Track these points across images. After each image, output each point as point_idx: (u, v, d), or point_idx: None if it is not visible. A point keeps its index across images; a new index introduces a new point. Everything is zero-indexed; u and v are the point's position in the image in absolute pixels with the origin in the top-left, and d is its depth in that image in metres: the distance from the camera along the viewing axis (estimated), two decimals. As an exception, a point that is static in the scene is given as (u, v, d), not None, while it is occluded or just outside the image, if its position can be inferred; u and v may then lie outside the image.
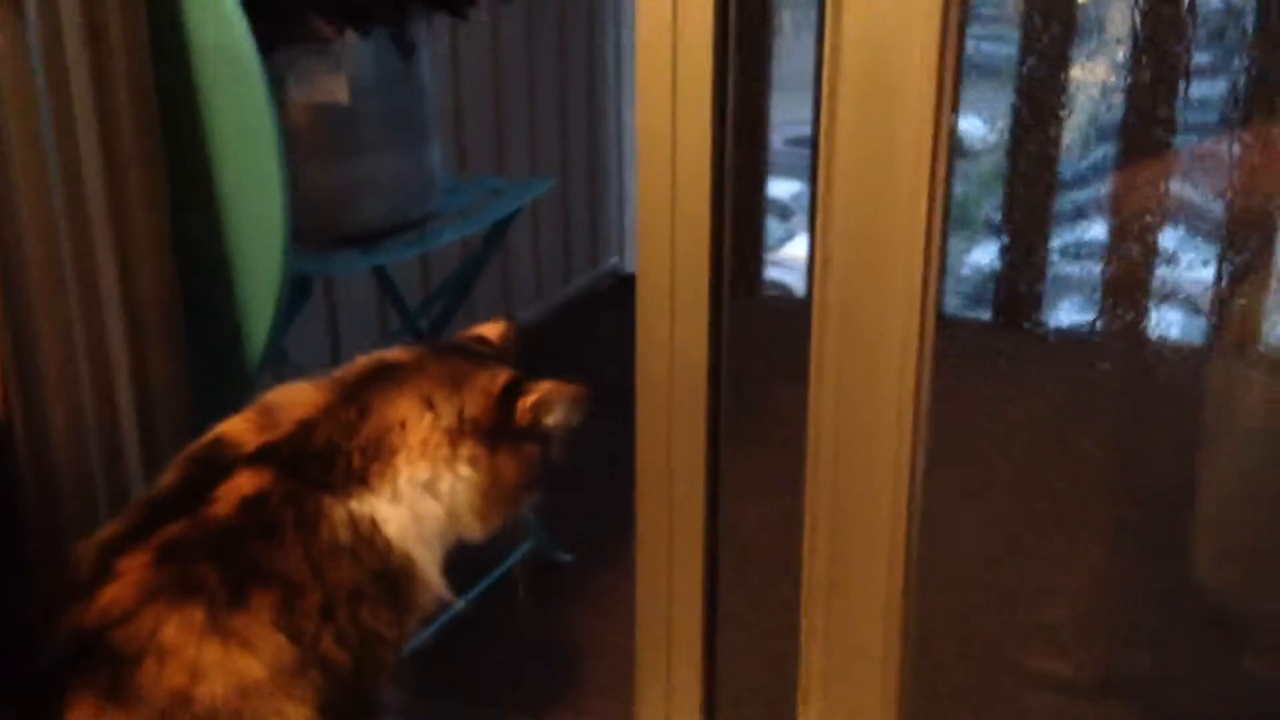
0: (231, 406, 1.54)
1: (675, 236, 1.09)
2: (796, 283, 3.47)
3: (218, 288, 1.49)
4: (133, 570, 0.99)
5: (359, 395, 1.09)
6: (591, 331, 3.02)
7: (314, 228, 1.75)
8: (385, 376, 1.11)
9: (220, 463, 1.05)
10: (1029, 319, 2.80)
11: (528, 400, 1.09)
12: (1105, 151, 2.75)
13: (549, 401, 1.10)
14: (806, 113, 3.47)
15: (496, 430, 1.09)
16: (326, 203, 1.81)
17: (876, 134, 0.92)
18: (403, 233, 1.91)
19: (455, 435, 1.08)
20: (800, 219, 3.93)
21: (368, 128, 1.86)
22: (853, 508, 1.05)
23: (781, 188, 3.87)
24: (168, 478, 1.07)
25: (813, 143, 0.95)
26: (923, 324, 0.96)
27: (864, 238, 0.96)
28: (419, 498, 1.07)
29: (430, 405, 1.09)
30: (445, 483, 1.08)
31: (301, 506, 1.03)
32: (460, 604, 1.79)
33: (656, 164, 1.09)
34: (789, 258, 3.63)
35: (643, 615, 1.24)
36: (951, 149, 0.91)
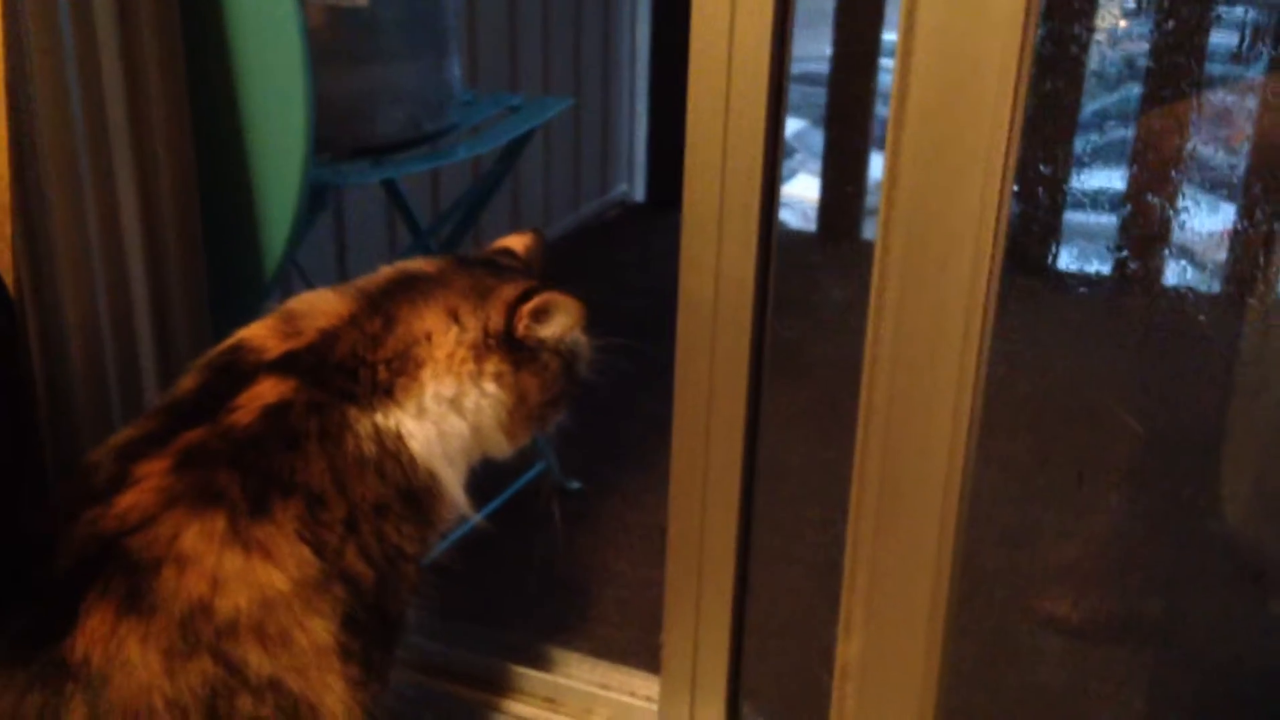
0: (247, 316, 1.51)
1: (728, 151, 1.05)
2: (796, 221, 3.44)
3: (237, 196, 1.45)
4: (152, 476, 0.96)
5: (384, 306, 1.06)
6: (602, 259, 2.99)
7: (328, 137, 1.70)
8: (411, 287, 1.08)
9: (242, 369, 1.02)
10: (1048, 261, 2.77)
11: (524, 307, 1.06)
12: (1127, 95, 2.71)
13: (545, 309, 1.07)
14: (808, 49, 3.42)
15: (519, 343, 1.07)
16: (341, 111, 1.75)
17: (961, 44, 0.88)
18: (417, 146, 1.86)
19: (480, 350, 1.05)
20: (801, 157, 3.89)
21: (385, 34, 1.80)
22: (907, 439, 1.02)
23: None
24: (187, 383, 1.04)
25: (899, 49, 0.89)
26: (993, 256, 0.92)
27: (937, 159, 0.92)
28: (445, 414, 1.05)
29: (456, 318, 1.06)
30: (471, 399, 1.06)
31: (325, 417, 1.00)
32: (472, 523, 1.78)
33: (710, 71, 1.04)
34: (790, 195, 3.61)
35: (675, 544, 1.22)
36: (1032, 66, 0.87)
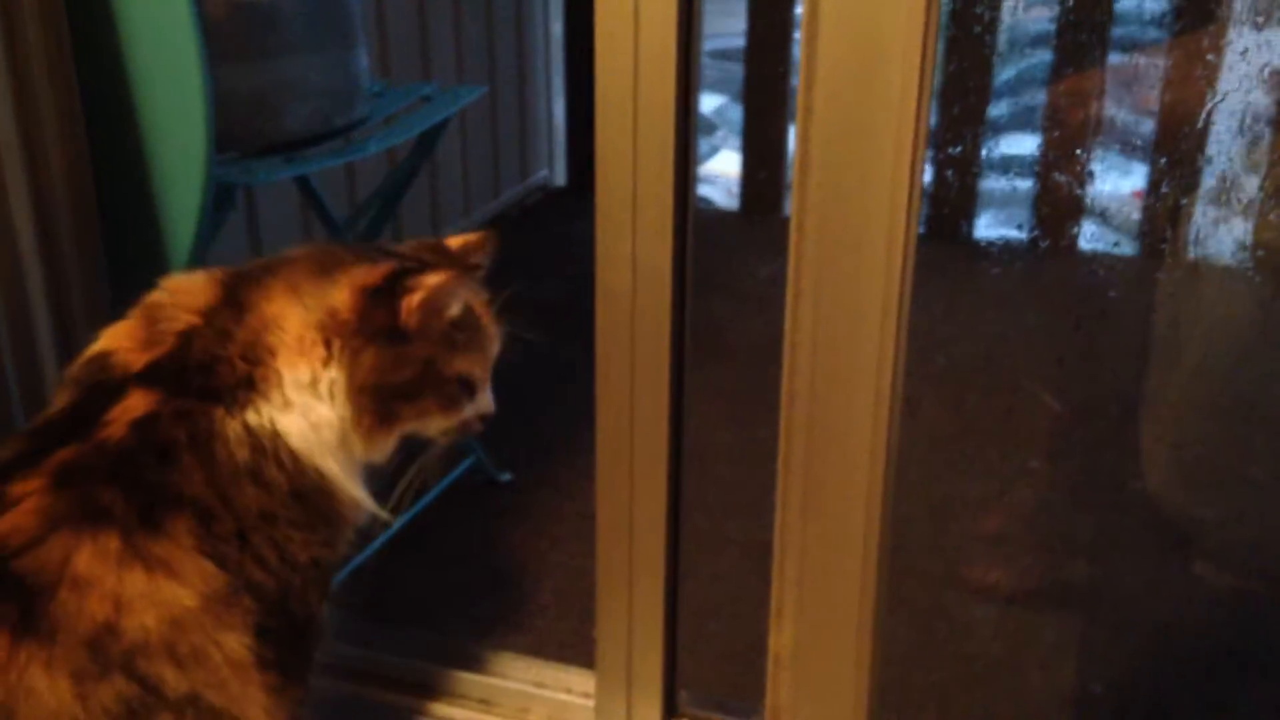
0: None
1: (638, 139, 1.04)
2: (720, 197, 3.44)
3: (139, 197, 1.40)
4: (29, 496, 0.91)
5: (237, 294, 1.00)
6: (523, 246, 2.96)
7: (234, 134, 1.66)
8: (268, 270, 1.02)
9: (110, 383, 0.97)
10: (963, 230, 2.80)
11: (414, 298, 0.98)
12: (1038, 61, 2.74)
13: (439, 298, 0.99)
14: (725, 25, 3.41)
15: (368, 328, 0.98)
16: (246, 107, 1.70)
17: (862, 22, 0.87)
18: (328, 140, 1.82)
19: (327, 330, 0.98)
20: (723, 133, 3.89)
21: (288, 27, 1.76)
22: (831, 420, 1.02)
23: (705, 102, 3.82)
24: (56, 403, 0.99)
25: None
26: (907, 225, 0.92)
27: (847, 137, 0.91)
28: (309, 402, 0.98)
29: (298, 297, 0.99)
30: (325, 384, 0.98)
31: (193, 424, 0.95)
32: (399, 523, 1.74)
33: (617, 61, 1.02)
34: (712, 172, 3.60)
35: (604, 536, 1.21)
36: (937, 38, 0.86)
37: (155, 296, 1.03)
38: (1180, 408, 1.57)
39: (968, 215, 2.86)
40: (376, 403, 1.00)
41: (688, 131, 1.05)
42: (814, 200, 0.95)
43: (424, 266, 1.03)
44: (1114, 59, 2.49)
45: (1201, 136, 1.76)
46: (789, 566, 1.08)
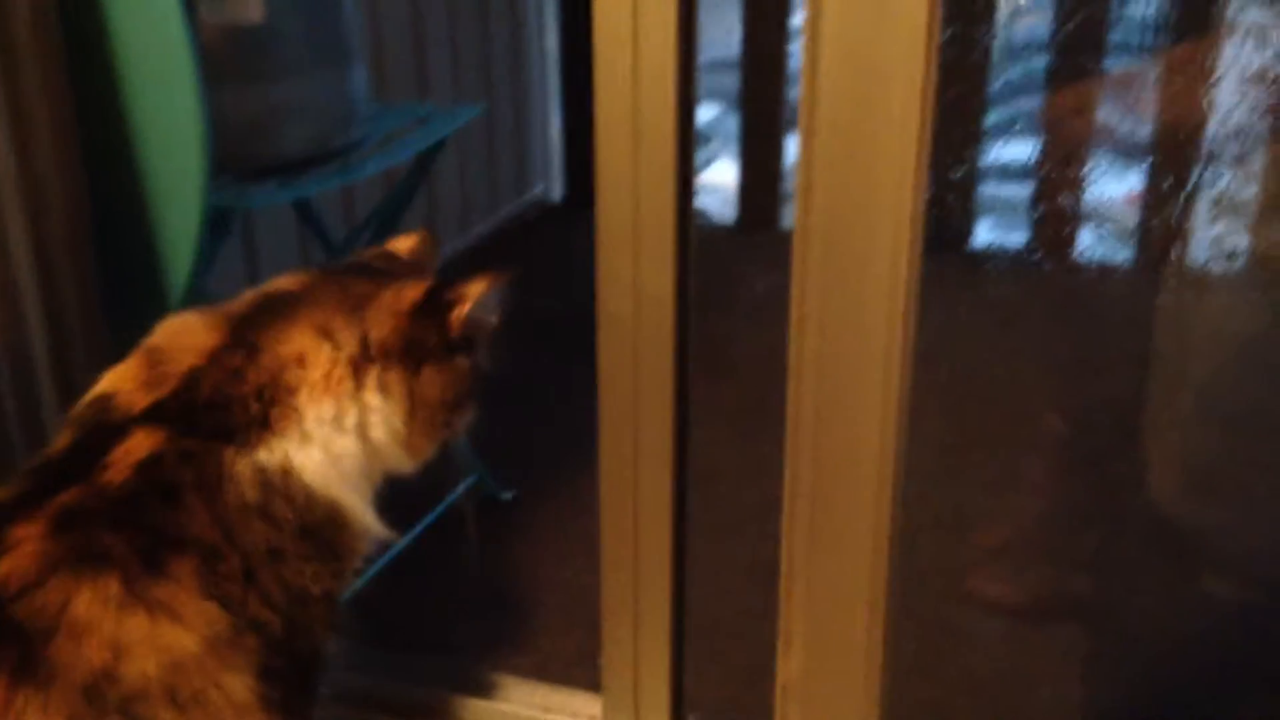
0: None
1: (639, 165, 1.03)
2: (718, 209, 3.43)
3: (134, 225, 1.39)
4: (28, 540, 0.90)
5: (246, 334, 1.00)
6: (521, 261, 2.95)
7: (231, 158, 1.66)
8: (274, 310, 1.02)
9: (111, 425, 0.97)
10: (960, 241, 2.80)
11: (462, 310, 1.01)
12: (1034, 68, 2.74)
13: (483, 304, 1.02)
14: (720, 35, 3.41)
15: (416, 349, 1.01)
16: (243, 131, 1.70)
17: (866, 43, 0.86)
18: (325, 163, 1.82)
19: (360, 363, 1.00)
20: (719, 143, 3.89)
21: (284, 50, 1.76)
22: (837, 442, 1.01)
23: (699, 113, 3.81)
24: (58, 443, 0.99)
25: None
26: (912, 247, 0.91)
27: (851, 156, 0.91)
28: (330, 436, 0.99)
29: (328, 335, 1.00)
30: (353, 416, 1.00)
31: (200, 465, 0.95)
32: (401, 544, 1.74)
33: (616, 81, 1.02)
34: (708, 183, 3.60)
35: (608, 557, 1.20)
36: (940, 59, 0.86)
37: (156, 338, 1.02)
38: (1185, 418, 1.57)
39: (965, 225, 2.86)
40: (434, 418, 1.03)
41: (688, 153, 1.05)
42: (817, 222, 0.95)
43: (449, 282, 1.04)
44: (1112, 65, 2.50)
45: (1198, 144, 1.76)
46: (796, 594, 1.07)
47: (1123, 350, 1.84)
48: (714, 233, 3.30)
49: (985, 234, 2.84)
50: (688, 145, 1.03)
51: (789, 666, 1.10)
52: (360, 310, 1.01)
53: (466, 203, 3.07)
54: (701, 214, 3.54)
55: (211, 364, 0.99)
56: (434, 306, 1.02)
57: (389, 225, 2.08)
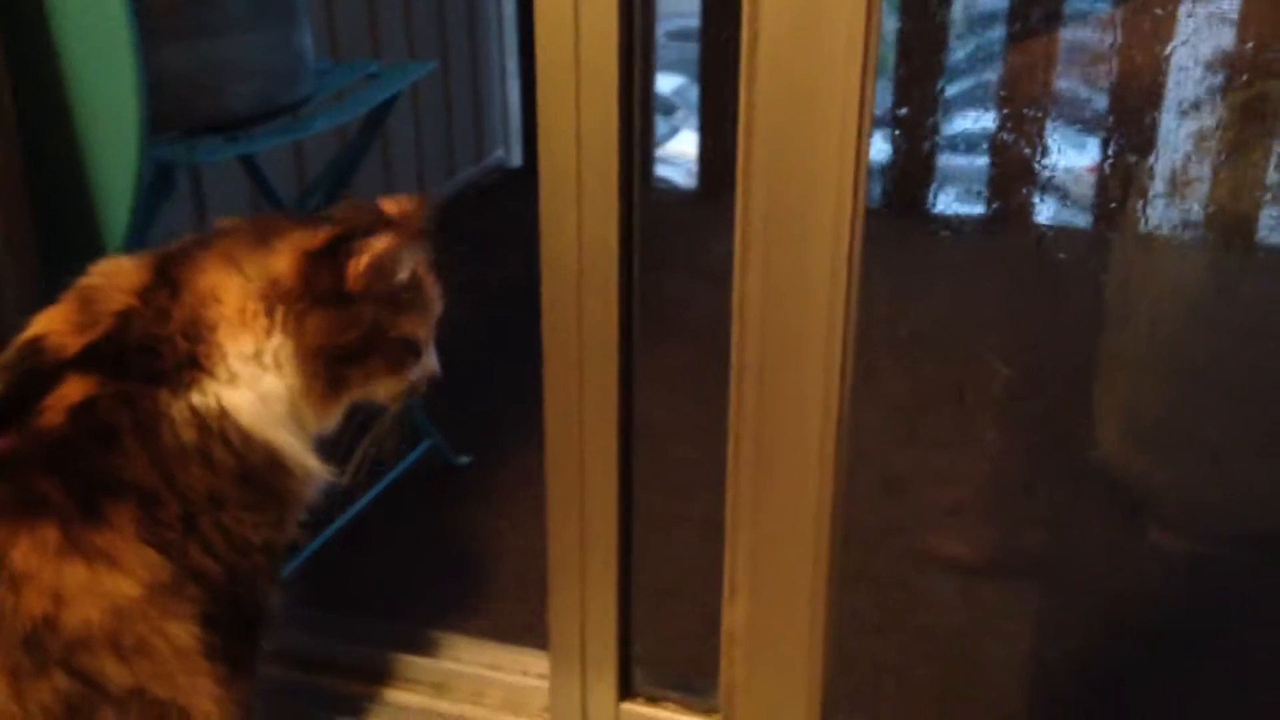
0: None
1: (580, 112, 1.01)
2: (681, 178, 3.41)
3: (70, 180, 1.36)
4: None
5: (171, 272, 0.97)
6: (479, 227, 2.92)
7: (174, 113, 1.62)
8: (198, 246, 1.00)
9: (44, 370, 0.94)
10: (918, 204, 2.79)
11: (360, 261, 0.97)
12: (993, 36, 2.74)
13: (386, 260, 0.98)
14: (687, 4, 3.38)
15: (310, 292, 0.97)
16: (187, 86, 1.67)
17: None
18: (272, 119, 1.78)
19: (270, 297, 0.96)
20: (683, 114, 3.86)
21: (227, 4, 1.72)
22: (782, 393, 1.01)
23: (664, 82, 3.79)
24: None
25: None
26: (855, 204, 0.90)
27: (791, 106, 0.90)
28: (256, 374, 0.96)
29: (236, 266, 0.97)
30: (270, 353, 0.96)
31: (137, 407, 0.93)
32: (354, 508, 1.71)
33: (556, 15, 1.00)
34: (672, 153, 3.57)
35: (554, 514, 1.19)
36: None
37: (87, 280, 1.00)
38: (1133, 374, 1.58)
39: (927, 189, 2.86)
40: (324, 368, 0.99)
41: (632, 100, 1.03)
42: (759, 168, 0.93)
43: (366, 230, 1.01)
44: (1068, 32, 2.49)
45: (1154, 106, 1.76)
46: (741, 542, 1.07)
47: (1077, 312, 1.85)
48: (674, 198, 3.28)
49: (947, 201, 2.84)
50: (630, 86, 1.01)
51: (734, 615, 1.09)
52: (267, 244, 0.98)
53: (423, 167, 3.03)
54: (665, 182, 3.53)
55: (141, 303, 0.96)
56: (334, 252, 0.98)
57: (340, 185, 2.04)
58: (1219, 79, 1.61)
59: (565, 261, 1.07)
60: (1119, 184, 2.00)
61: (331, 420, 1.03)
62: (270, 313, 0.97)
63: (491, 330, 2.17)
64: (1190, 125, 1.68)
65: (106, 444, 0.91)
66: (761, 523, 1.05)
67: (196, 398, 0.95)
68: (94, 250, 1.39)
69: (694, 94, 3.70)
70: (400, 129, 2.81)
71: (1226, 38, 1.60)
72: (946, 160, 2.83)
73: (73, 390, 0.92)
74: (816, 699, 1.10)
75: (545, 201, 1.07)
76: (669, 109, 3.86)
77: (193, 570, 0.93)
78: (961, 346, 2.02)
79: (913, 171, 2.80)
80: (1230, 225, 1.69)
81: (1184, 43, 1.60)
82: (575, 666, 1.26)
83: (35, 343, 0.96)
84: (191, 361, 0.95)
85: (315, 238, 0.98)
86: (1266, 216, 1.67)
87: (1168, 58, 1.65)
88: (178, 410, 0.94)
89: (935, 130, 2.75)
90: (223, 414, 0.95)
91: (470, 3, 3.17)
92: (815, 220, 0.93)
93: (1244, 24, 1.60)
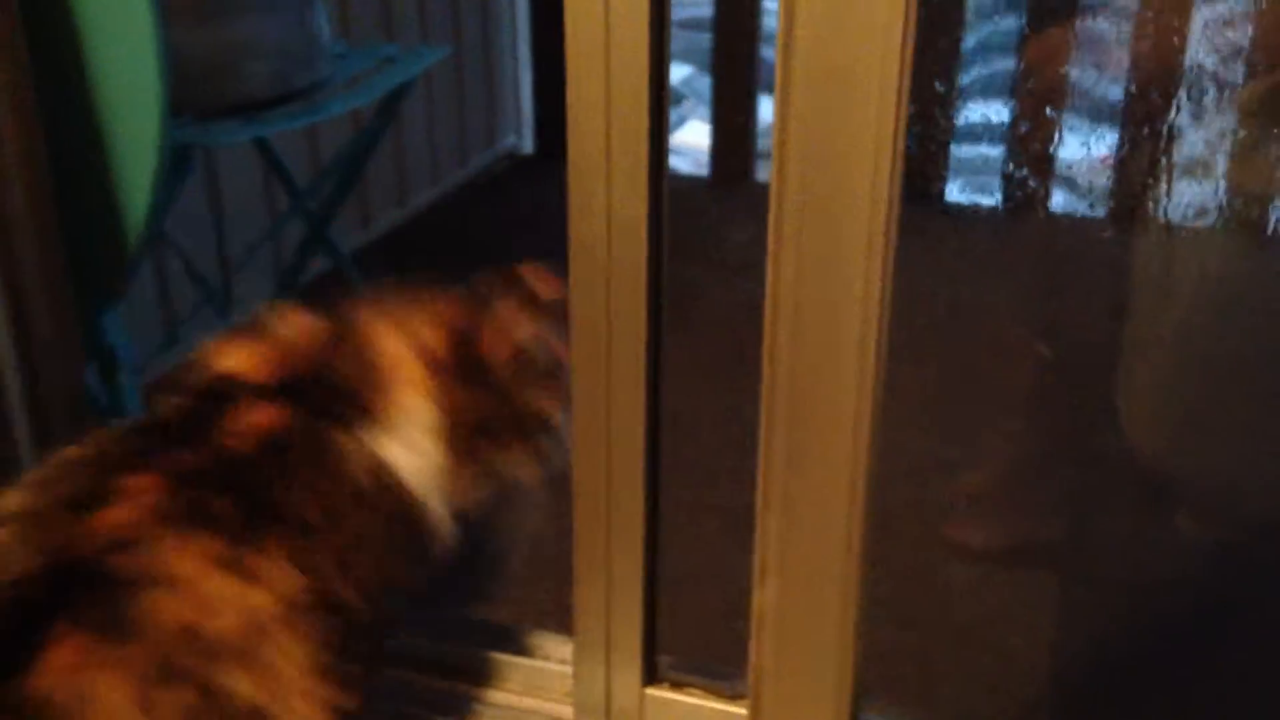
0: (110, 292, 1.42)
1: (611, 91, 1.00)
2: (689, 168, 3.41)
3: (92, 163, 1.36)
4: (141, 493, 0.90)
5: (349, 325, 1.03)
6: (493, 215, 2.91)
7: (191, 96, 1.62)
8: (365, 306, 1.06)
9: (228, 394, 0.98)
10: (938, 196, 2.78)
11: (501, 338, 1.03)
12: (1008, 27, 2.72)
13: (531, 343, 1.04)
14: (691, -7, 3.36)
15: (458, 368, 1.03)
16: (203, 68, 1.67)
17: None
18: (288, 102, 1.78)
19: (428, 367, 1.02)
20: (691, 104, 3.85)
21: (245, -14, 1.72)
22: (814, 383, 1.00)
23: (671, 72, 3.78)
24: (164, 407, 1.00)
25: None
26: (891, 182, 0.89)
27: (828, 95, 0.88)
28: (414, 437, 1.01)
29: (405, 333, 1.03)
30: (426, 419, 1.02)
31: (319, 444, 0.98)
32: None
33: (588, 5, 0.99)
34: (680, 143, 3.57)
35: (581, 500, 1.18)
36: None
37: (270, 323, 1.04)
38: (1157, 362, 1.57)
39: (944, 179, 2.84)
40: (464, 440, 1.03)
41: (663, 74, 1.02)
42: (794, 146, 0.92)
43: (512, 307, 1.06)
44: (1084, 21, 2.48)
45: (1172, 95, 1.75)
46: (773, 523, 1.06)
47: (1099, 299, 1.84)
48: (687, 185, 3.27)
49: (962, 191, 2.83)
50: (661, 59, 1.00)
51: (765, 596, 1.09)
52: (426, 314, 1.04)
53: (436, 154, 3.02)
54: (673, 172, 3.52)
55: (330, 350, 1.01)
56: (478, 331, 1.04)
57: (355, 170, 2.04)
58: (1238, 68, 1.60)
59: (593, 243, 1.06)
60: (1138, 167, 1.99)
61: (466, 494, 1.06)
62: (427, 380, 1.02)
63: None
64: (1208, 113, 1.67)
65: (285, 474, 0.95)
66: (792, 504, 1.04)
67: (371, 447, 0.99)
68: (116, 232, 1.38)
69: (701, 84, 3.68)
70: (412, 115, 2.80)
71: (1244, 27, 1.59)
72: (965, 150, 2.81)
73: (261, 417, 0.96)
74: (847, 684, 1.09)
75: (574, 181, 1.06)
76: (677, 99, 3.85)
77: (332, 603, 0.96)
78: (983, 334, 2.02)
79: (928, 161, 2.79)
80: (1252, 212, 1.68)
81: (1204, 27, 1.59)
82: (600, 652, 1.25)
83: (219, 368, 1.01)
84: (369, 412, 1.00)
85: (465, 314, 1.04)
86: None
87: (1185, 45, 1.64)
88: (351, 452, 0.98)
89: (951, 119, 2.73)
90: (390, 466, 1.00)
91: (483, -11, 3.16)
92: (851, 198, 0.92)
93: (1262, 14, 1.59)
